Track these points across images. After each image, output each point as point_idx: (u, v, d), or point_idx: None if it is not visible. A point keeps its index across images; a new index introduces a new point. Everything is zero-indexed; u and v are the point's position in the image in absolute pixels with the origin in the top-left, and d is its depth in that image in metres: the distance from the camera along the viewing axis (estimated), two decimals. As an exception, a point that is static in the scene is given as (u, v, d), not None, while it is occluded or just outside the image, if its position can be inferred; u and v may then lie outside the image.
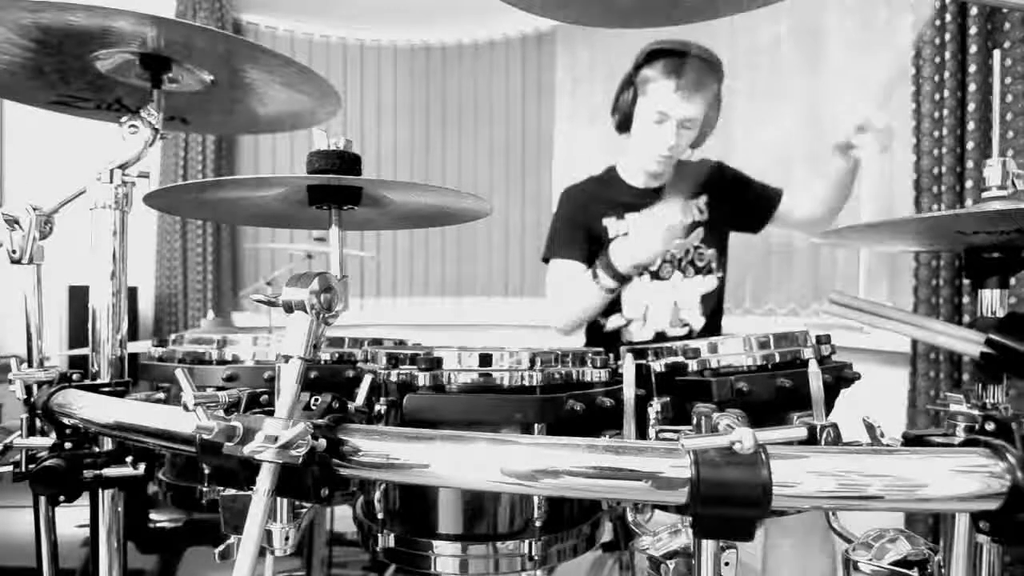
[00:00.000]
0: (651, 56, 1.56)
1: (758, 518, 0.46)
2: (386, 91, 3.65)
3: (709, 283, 1.70)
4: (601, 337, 1.71)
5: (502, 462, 0.49)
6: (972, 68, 1.65)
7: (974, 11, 1.63)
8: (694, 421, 0.52)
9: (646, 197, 1.68)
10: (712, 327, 1.73)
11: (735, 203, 1.74)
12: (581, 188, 1.79)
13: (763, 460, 0.45)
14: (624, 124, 1.66)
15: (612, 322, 1.69)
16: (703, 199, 1.70)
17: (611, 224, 1.68)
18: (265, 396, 0.60)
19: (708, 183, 1.71)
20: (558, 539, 0.68)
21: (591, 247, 1.68)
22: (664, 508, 0.55)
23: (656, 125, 1.57)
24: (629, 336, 1.69)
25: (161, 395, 0.87)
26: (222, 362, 0.87)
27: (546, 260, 1.75)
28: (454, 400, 0.65)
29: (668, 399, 0.70)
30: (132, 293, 2.97)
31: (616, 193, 1.70)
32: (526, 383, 0.65)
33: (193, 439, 0.53)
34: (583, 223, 1.71)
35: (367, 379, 0.66)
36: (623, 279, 1.50)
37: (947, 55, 1.70)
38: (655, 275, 1.67)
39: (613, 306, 1.68)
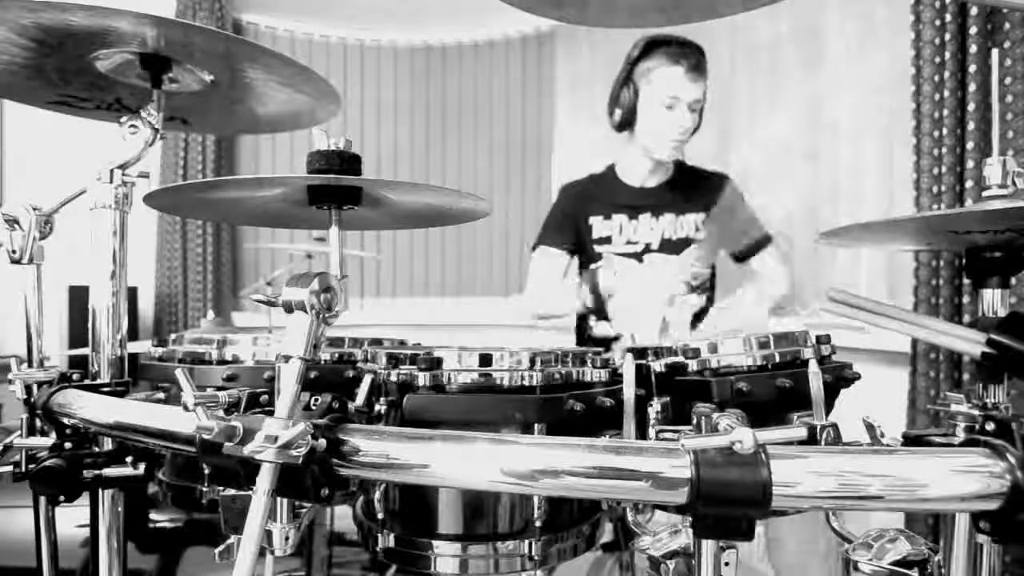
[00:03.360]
0: (648, 48, 1.59)
1: (758, 518, 0.46)
2: (386, 91, 3.65)
3: (700, 302, 1.71)
4: (590, 341, 1.72)
5: (502, 462, 0.49)
6: (972, 68, 1.65)
7: (974, 11, 1.62)
8: (694, 421, 0.52)
9: (641, 198, 1.69)
10: None
11: (734, 225, 1.75)
12: (578, 185, 1.82)
13: (763, 460, 0.45)
14: (626, 122, 1.66)
15: (600, 329, 1.70)
16: (702, 217, 1.70)
17: (597, 223, 1.69)
18: (265, 396, 0.59)
19: (711, 198, 1.72)
20: (558, 539, 0.68)
21: (577, 241, 1.71)
22: (664, 508, 0.55)
23: (667, 111, 1.59)
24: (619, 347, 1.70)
25: (161, 395, 0.87)
26: (222, 362, 0.86)
27: (534, 248, 1.78)
28: (454, 400, 0.65)
29: (668, 399, 0.69)
30: (132, 293, 2.97)
31: (611, 192, 1.71)
32: (526, 383, 0.65)
33: (193, 439, 0.53)
34: (572, 218, 1.73)
35: (367, 379, 0.66)
36: (599, 300, 1.54)
37: (947, 55, 1.70)
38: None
39: (602, 315, 1.69)
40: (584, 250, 1.71)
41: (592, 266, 1.61)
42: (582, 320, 1.76)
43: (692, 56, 1.58)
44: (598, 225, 1.69)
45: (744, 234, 1.79)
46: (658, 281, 1.55)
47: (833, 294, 0.67)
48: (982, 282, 0.68)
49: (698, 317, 1.71)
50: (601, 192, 1.73)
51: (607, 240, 1.68)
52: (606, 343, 1.69)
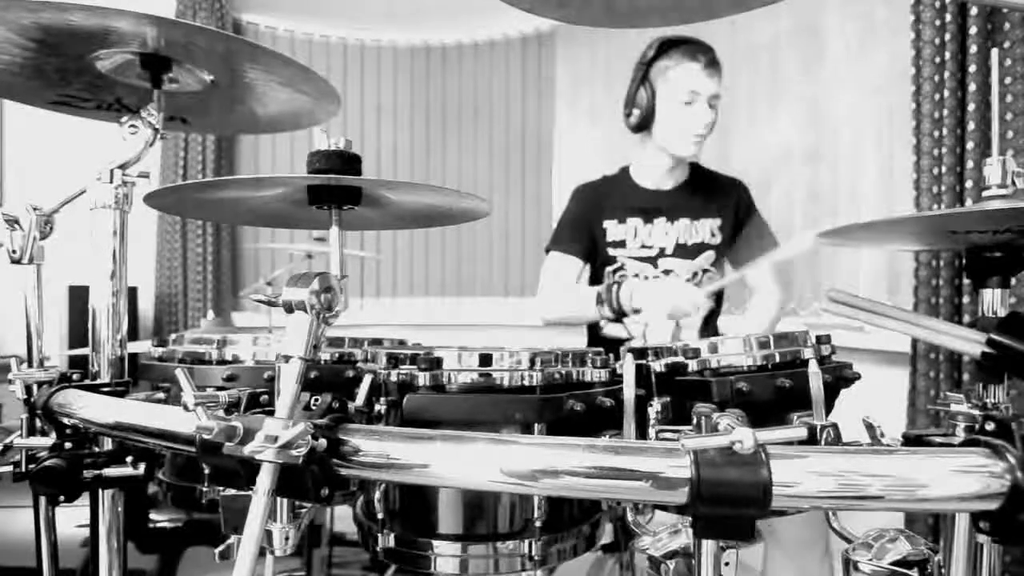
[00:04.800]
0: (664, 47, 1.60)
1: (758, 518, 0.45)
2: (386, 91, 3.65)
3: (710, 305, 1.71)
4: (602, 340, 1.72)
5: (502, 462, 0.49)
6: (972, 68, 1.65)
7: (974, 11, 1.62)
8: (694, 421, 0.52)
9: (656, 200, 1.69)
10: None
11: (757, 245, 1.74)
12: (592, 187, 1.81)
13: (763, 460, 0.45)
14: (643, 122, 1.66)
15: (612, 330, 1.70)
16: (717, 223, 1.70)
17: (611, 227, 1.69)
18: (265, 396, 0.59)
19: (726, 203, 1.72)
20: (558, 539, 0.68)
21: (591, 246, 1.70)
22: (664, 508, 0.55)
23: (686, 107, 1.59)
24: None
25: (161, 395, 0.87)
26: (222, 362, 0.87)
27: (548, 251, 1.77)
28: (454, 400, 0.65)
29: (668, 399, 0.69)
30: (132, 293, 2.97)
31: (625, 194, 1.71)
32: (526, 383, 0.65)
33: (193, 439, 0.53)
34: (586, 221, 1.72)
35: (367, 379, 0.66)
36: (622, 316, 1.53)
37: (947, 55, 1.69)
38: None
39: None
40: (597, 255, 1.71)
41: (609, 282, 1.60)
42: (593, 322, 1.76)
43: (708, 52, 1.59)
44: (612, 229, 1.69)
45: (762, 251, 1.78)
46: (681, 296, 1.51)
47: (833, 294, 0.67)
48: (982, 282, 0.68)
49: (708, 320, 1.71)
50: (615, 194, 1.73)
51: (621, 244, 1.68)
52: (616, 343, 1.69)
